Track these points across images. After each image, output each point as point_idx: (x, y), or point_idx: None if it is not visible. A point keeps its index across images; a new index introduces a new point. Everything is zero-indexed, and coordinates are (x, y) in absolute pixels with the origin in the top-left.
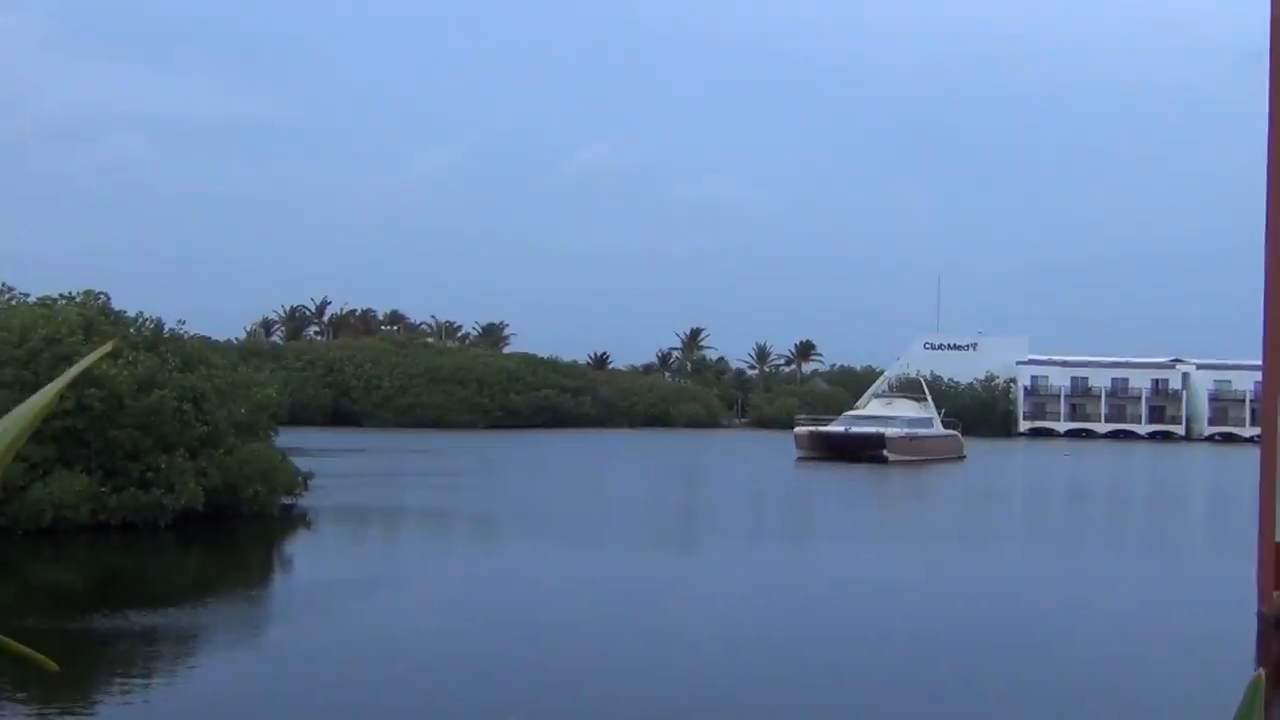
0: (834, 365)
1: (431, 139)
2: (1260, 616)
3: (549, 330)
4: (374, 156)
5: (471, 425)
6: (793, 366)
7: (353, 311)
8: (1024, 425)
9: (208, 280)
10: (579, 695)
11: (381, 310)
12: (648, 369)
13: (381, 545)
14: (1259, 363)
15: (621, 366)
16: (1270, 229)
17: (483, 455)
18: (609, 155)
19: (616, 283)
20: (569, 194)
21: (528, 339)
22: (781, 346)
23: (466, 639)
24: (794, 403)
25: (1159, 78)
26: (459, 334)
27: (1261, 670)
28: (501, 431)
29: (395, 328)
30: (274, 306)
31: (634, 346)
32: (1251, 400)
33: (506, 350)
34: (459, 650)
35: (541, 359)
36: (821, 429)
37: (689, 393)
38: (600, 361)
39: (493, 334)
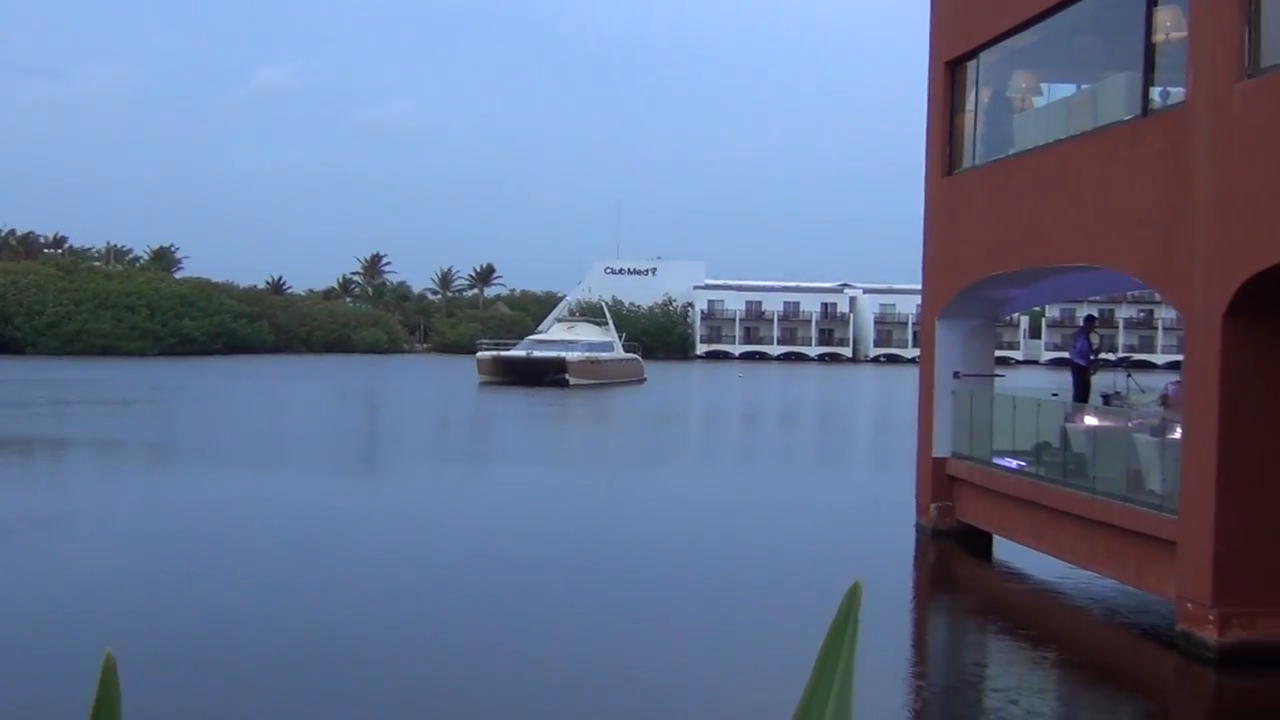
0: (516, 289)
1: (102, 54)
2: (918, 528)
3: (224, 254)
4: (37, 71)
5: (142, 352)
6: (475, 290)
7: (12, 233)
8: (701, 348)
9: None
10: (248, 631)
11: (44, 233)
12: (328, 294)
13: (44, 478)
14: (919, 287)
15: (300, 291)
16: (930, 159)
17: (155, 382)
18: (289, 75)
19: (295, 207)
20: (246, 114)
21: (201, 263)
22: (465, 271)
23: (135, 574)
24: (476, 327)
25: (832, 11)
26: (128, 258)
27: (859, 580)
28: (174, 358)
29: (59, 251)
30: None
31: (313, 271)
32: (913, 323)
33: (179, 274)
34: (126, 587)
35: (216, 283)
36: (503, 353)
37: (370, 318)
38: (277, 286)
39: (164, 258)
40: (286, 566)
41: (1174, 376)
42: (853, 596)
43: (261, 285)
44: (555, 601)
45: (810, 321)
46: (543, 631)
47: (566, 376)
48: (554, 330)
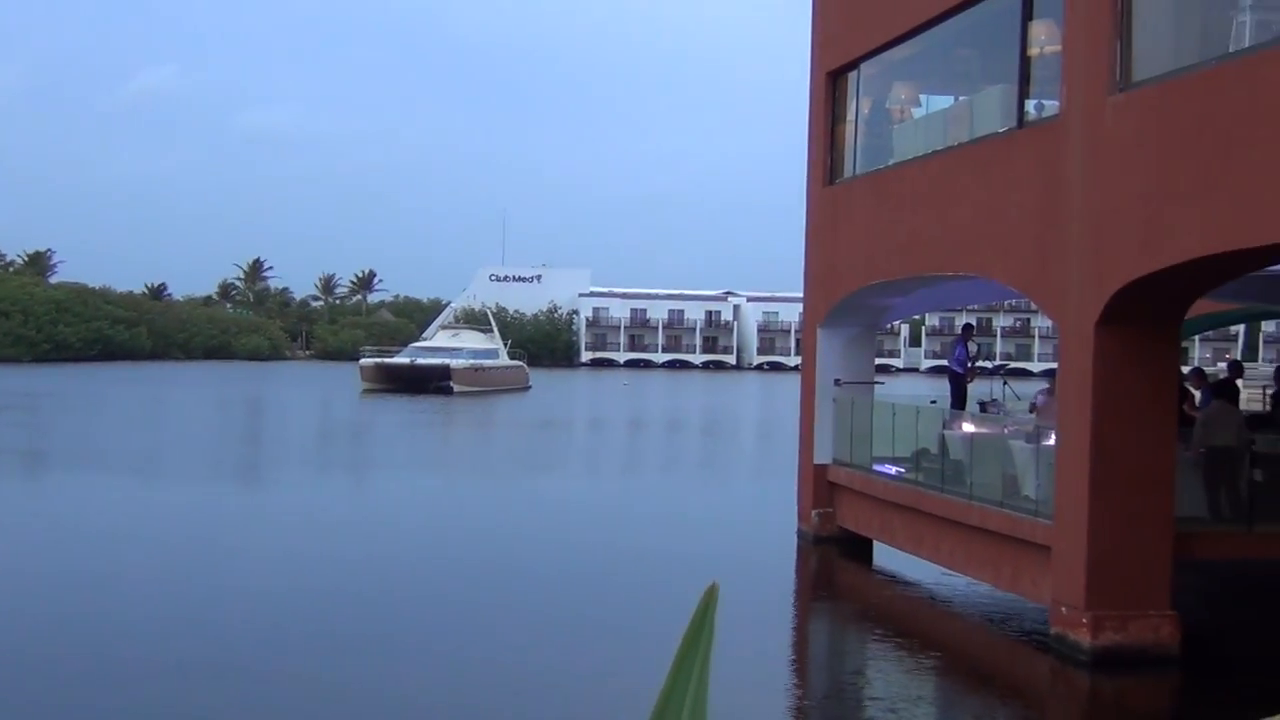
0: (400, 296)
1: None
2: (799, 534)
3: (102, 259)
4: None
5: (16, 359)
6: (359, 297)
7: None
8: (586, 356)
9: None
10: (109, 644)
11: None
12: (208, 300)
13: None
14: (802, 295)
15: (180, 297)
16: (811, 168)
17: (29, 389)
18: (173, 79)
19: (176, 211)
20: (127, 118)
21: (78, 268)
22: (348, 277)
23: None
24: (360, 334)
25: (717, 20)
26: (2, 262)
27: (715, 581)
28: (50, 365)
29: None
30: None
31: (194, 277)
32: (796, 331)
33: (54, 279)
34: None
35: (93, 289)
36: (387, 361)
37: (251, 324)
38: (156, 292)
39: (39, 262)
40: (132, 584)
41: (1045, 384)
42: (709, 598)
43: (141, 291)
44: (429, 614)
45: (694, 329)
46: (420, 642)
47: (451, 384)
48: (438, 337)
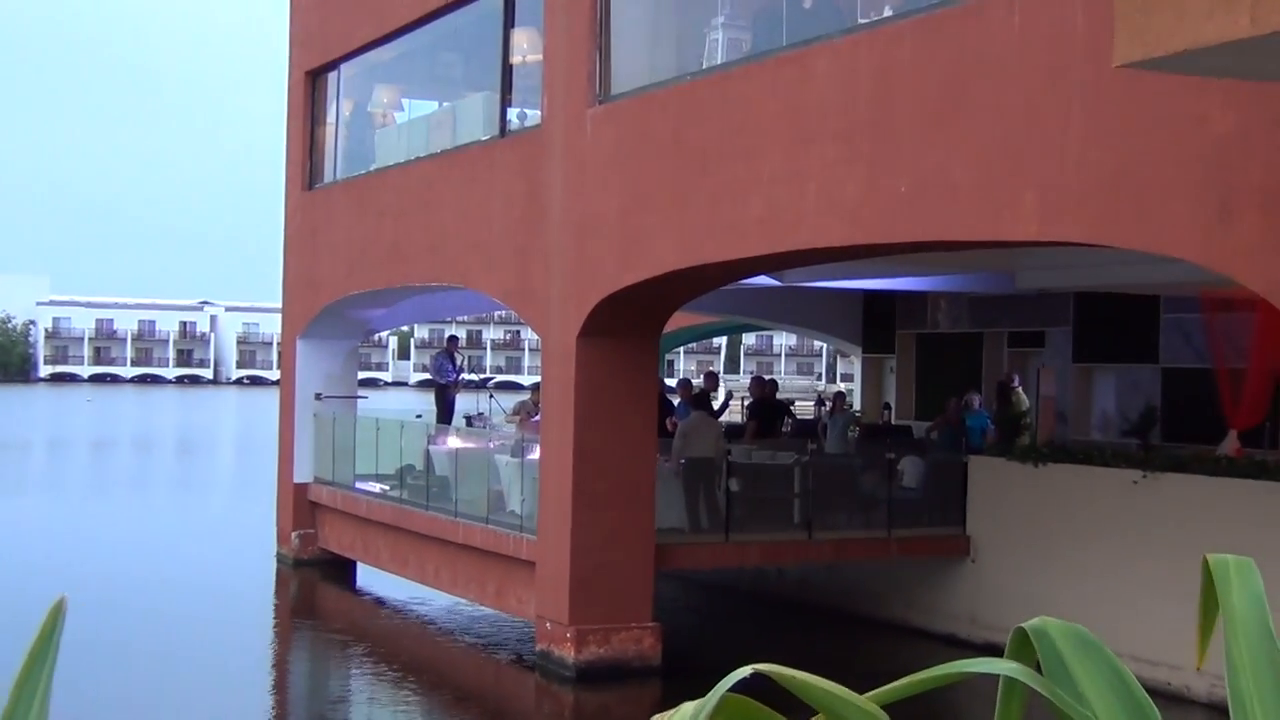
0: None
1: None
2: (279, 557)
3: None
4: None
5: None
6: None
7: None
8: (45, 370)
9: None
10: None
11: None
12: None
13: None
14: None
15: None
16: (290, 172)
17: None
18: None
19: None
20: None
21: None
22: None
23: None
24: None
25: (192, 24)
26: None
27: (63, 595)
28: None
29: None
30: None
31: None
32: (278, 343)
33: None
34: None
35: None
36: None
37: None
38: None
39: None
40: None
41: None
42: (55, 613)
43: None
44: None
45: (167, 341)
46: None
47: None
48: None
